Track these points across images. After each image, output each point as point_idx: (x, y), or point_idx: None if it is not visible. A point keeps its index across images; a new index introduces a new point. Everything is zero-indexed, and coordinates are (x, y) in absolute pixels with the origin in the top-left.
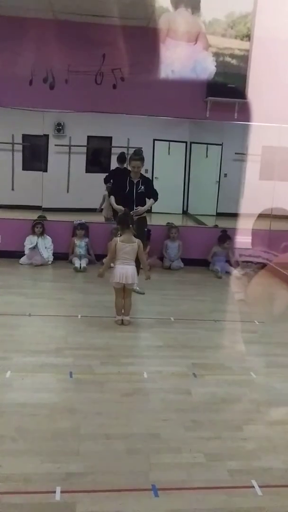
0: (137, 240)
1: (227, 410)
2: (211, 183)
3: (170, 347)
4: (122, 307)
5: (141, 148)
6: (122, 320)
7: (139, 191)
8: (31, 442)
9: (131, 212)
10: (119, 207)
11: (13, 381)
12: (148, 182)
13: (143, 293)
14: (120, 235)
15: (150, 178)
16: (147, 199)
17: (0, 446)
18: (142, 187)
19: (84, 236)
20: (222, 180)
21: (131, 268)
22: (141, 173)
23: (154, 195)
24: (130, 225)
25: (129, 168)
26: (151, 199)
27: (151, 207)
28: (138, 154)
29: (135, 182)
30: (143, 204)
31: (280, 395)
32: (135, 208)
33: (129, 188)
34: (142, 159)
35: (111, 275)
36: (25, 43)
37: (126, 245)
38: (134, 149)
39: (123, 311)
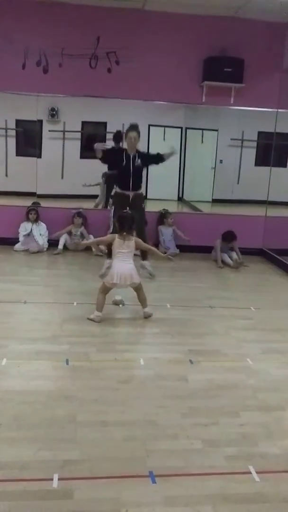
0: (134, 238)
1: (224, 396)
2: (206, 169)
3: (167, 334)
4: (104, 304)
5: (137, 123)
6: (144, 313)
7: (136, 165)
8: (27, 429)
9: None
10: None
11: (9, 369)
12: (144, 154)
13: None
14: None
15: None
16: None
17: None
18: (139, 161)
19: (81, 225)
20: (217, 166)
21: (130, 267)
22: (136, 149)
23: (161, 155)
24: (130, 229)
25: (124, 146)
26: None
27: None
28: (134, 127)
29: (131, 156)
30: (140, 179)
31: (276, 381)
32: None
33: (126, 162)
34: (138, 131)
35: (109, 273)
36: (17, 25)
37: (123, 242)
38: None
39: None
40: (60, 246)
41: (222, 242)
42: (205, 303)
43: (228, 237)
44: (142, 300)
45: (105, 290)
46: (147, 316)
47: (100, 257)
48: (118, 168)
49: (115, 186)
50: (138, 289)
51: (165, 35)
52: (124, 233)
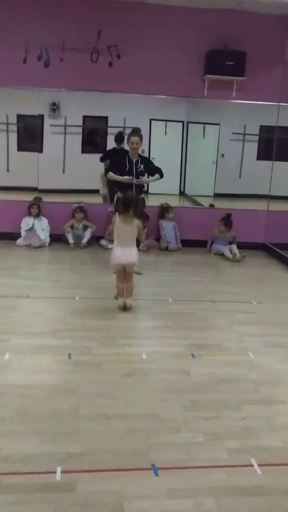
0: (135, 221)
1: (226, 390)
2: (208, 163)
3: (168, 328)
4: (124, 290)
5: (139, 127)
6: (124, 304)
7: (138, 170)
8: (30, 423)
9: (135, 181)
10: (125, 177)
11: (11, 363)
12: (147, 161)
13: (141, 273)
14: (119, 215)
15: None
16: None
17: (0, 427)
18: (142, 166)
19: (83, 219)
20: (219, 160)
21: (131, 250)
22: (139, 153)
23: (160, 171)
24: (131, 209)
25: (126, 148)
26: (157, 174)
27: (148, 185)
28: (136, 131)
29: (134, 161)
30: (143, 184)
31: (278, 375)
32: (140, 177)
33: (129, 167)
34: (140, 136)
35: (110, 258)
36: (18, 19)
37: (126, 227)
38: (130, 128)
39: (125, 294)
40: (71, 241)
41: (219, 228)
42: (207, 297)
43: (224, 217)
44: (129, 290)
45: (117, 275)
46: (128, 307)
47: (101, 253)
48: (121, 173)
49: (117, 190)
50: (129, 274)
51: (167, 29)
52: (128, 216)
